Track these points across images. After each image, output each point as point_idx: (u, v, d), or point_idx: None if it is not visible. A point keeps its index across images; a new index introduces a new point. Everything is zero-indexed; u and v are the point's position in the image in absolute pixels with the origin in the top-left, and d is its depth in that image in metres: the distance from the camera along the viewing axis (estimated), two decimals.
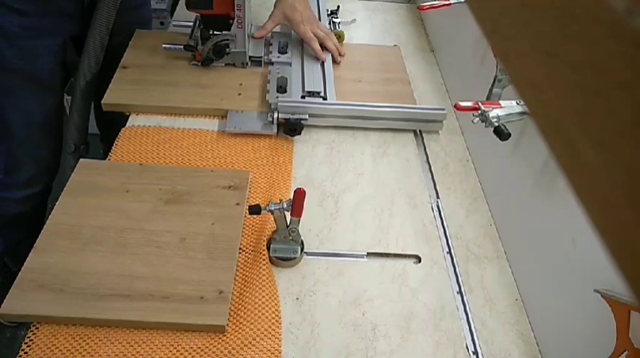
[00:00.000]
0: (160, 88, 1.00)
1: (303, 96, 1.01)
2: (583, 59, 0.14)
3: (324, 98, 1.01)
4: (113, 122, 1.12)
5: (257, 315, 0.68)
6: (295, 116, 0.94)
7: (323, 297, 0.72)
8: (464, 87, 1.08)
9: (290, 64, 1.08)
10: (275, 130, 0.94)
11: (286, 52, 1.12)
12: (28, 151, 1.17)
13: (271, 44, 1.14)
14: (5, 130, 1.13)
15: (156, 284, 0.68)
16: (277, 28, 1.17)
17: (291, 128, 0.94)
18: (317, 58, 1.11)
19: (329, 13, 1.28)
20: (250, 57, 1.08)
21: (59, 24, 1.05)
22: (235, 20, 1.00)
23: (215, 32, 1.03)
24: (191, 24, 1.08)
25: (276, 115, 0.94)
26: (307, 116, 0.95)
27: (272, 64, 1.09)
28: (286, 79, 1.05)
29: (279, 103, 0.94)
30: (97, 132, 1.95)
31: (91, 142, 1.55)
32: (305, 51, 1.13)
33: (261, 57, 1.09)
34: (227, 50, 1.05)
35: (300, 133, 0.95)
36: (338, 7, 1.29)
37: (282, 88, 1.03)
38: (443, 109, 1.00)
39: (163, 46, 1.06)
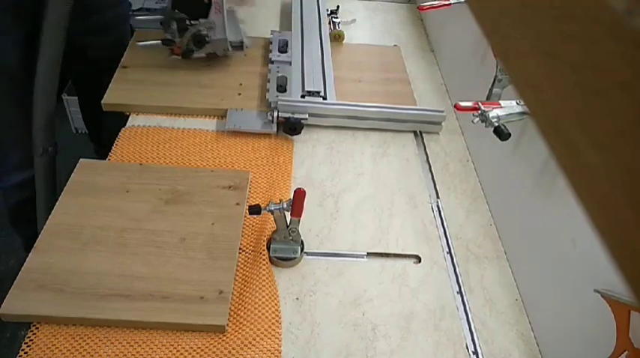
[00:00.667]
0: (160, 88, 1.00)
1: (302, 96, 1.01)
2: (583, 59, 0.14)
3: (324, 98, 1.01)
4: (102, 121, 1.11)
5: (257, 315, 0.68)
6: (295, 115, 0.94)
7: (323, 297, 0.72)
8: (464, 87, 1.08)
9: (290, 63, 1.08)
10: (275, 129, 0.94)
11: (286, 52, 1.12)
12: (10, 140, 1.16)
13: (271, 43, 1.14)
14: None
15: (156, 284, 0.68)
16: (277, 28, 1.18)
17: (291, 127, 0.94)
18: (320, 54, 1.11)
19: (329, 12, 1.28)
20: (230, 42, 1.05)
21: (19, 18, 1.02)
22: (213, 6, 0.98)
23: (192, 22, 0.99)
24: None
25: (275, 114, 0.94)
26: (307, 115, 0.95)
27: (272, 62, 1.09)
28: (286, 78, 1.05)
29: (279, 102, 0.94)
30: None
31: (89, 142, 1.55)
32: (305, 50, 1.13)
33: (241, 41, 1.05)
34: (207, 39, 1.01)
35: (300, 133, 0.95)
36: (338, 7, 1.29)
37: (282, 87, 1.03)
38: (442, 111, 1.00)
39: (138, 43, 1.04)
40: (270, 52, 1.11)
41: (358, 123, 0.99)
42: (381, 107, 0.99)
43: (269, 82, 1.03)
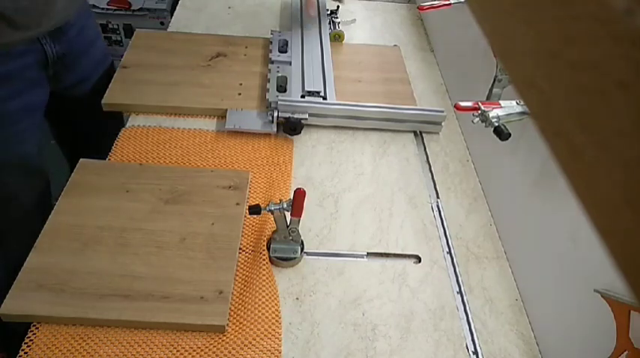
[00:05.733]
0: (159, 88, 1.00)
1: (302, 96, 1.01)
2: (583, 59, 0.14)
3: (324, 98, 1.01)
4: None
5: (257, 315, 0.68)
6: (295, 115, 0.94)
7: (323, 297, 0.72)
8: (464, 87, 1.08)
9: (290, 63, 1.08)
10: (275, 129, 0.94)
11: (286, 52, 1.12)
12: (19, 240, 0.98)
13: (271, 43, 1.14)
14: None
15: (156, 284, 0.68)
16: (277, 28, 1.18)
17: (291, 127, 0.94)
18: (320, 54, 1.11)
19: (329, 12, 1.28)
20: None
21: (30, 99, 0.95)
22: None
23: None
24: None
25: (276, 114, 0.94)
26: (307, 115, 0.95)
27: (272, 62, 1.09)
28: (286, 78, 1.04)
29: (279, 102, 0.94)
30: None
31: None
32: (305, 50, 1.13)
33: None
34: None
35: (300, 133, 0.95)
36: (338, 7, 1.29)
37: (282, 87, 1.03)
38: (442, 111, 1.00)
39: None
40: (270, 52, 1.11)
41: (358, 123, 0.99)
42: (382, 107, 0.99)
43: (269, 81, 1.03)
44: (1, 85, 0.89)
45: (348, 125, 0.99)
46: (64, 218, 0.74)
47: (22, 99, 0.93)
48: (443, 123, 1.01)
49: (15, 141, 0.95)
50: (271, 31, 1.18)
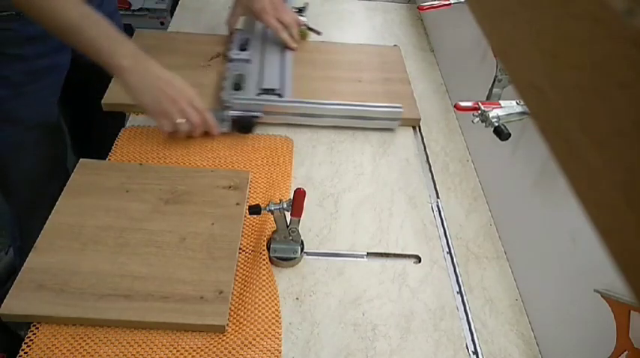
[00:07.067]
0: None
1: (258, 94, 0.99)
2: (583, 59, 0.14)
3: (280, 95, 0.99)
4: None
5: (257, 315, 0.68)
6: (248, 113, 0.93)
7: (323, 297, 0.72)
8: (464, 87, 1.08)
9: (249, 61, 1.06)
10: (228, 128, 0.93)
11: (246, 49, 1.09)
12: (40, 206, 1.09)
13: (232, 42, 1.11)
14: (13, 191, 1.11)
15: (156, 284, 0.68)
16: (240, 25, 1.15)
17: (242, 125, 0.93)
18: (281, 53, 1.10)
19: (296, 10, 1.19)
20: None
21: (57, 60, 1.03)
22: None
23: None
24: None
25: (229, 113, 0.93)
26: (261, 113, 0.94)
27: (231, 61, 1.06)
28: (243, 76, 1.02)
29: (232, 100, 0.93)
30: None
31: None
32: (265, 48, 1.11)
33: None
34: None
35: (252, 131, 0.94)
36: (306, 4, 1.21)
37: (237, 86, 1.00)
38: (399, 107, 0.98)
39: None
40: (230, 50, 1.08)
41: (315, 120, 0.98)
42: (338, 104, 0.98)
43: (225, 80, 1.00)
44: (36, 44, 0.96)
45: (305, 123, 0.98)
46: (64, 218, 0.74)
47: (52, 58, 1.01)
48: (444, 122, 1.01)
49: (41, 97, 1.03)
50: (234, 29, 1.14)
